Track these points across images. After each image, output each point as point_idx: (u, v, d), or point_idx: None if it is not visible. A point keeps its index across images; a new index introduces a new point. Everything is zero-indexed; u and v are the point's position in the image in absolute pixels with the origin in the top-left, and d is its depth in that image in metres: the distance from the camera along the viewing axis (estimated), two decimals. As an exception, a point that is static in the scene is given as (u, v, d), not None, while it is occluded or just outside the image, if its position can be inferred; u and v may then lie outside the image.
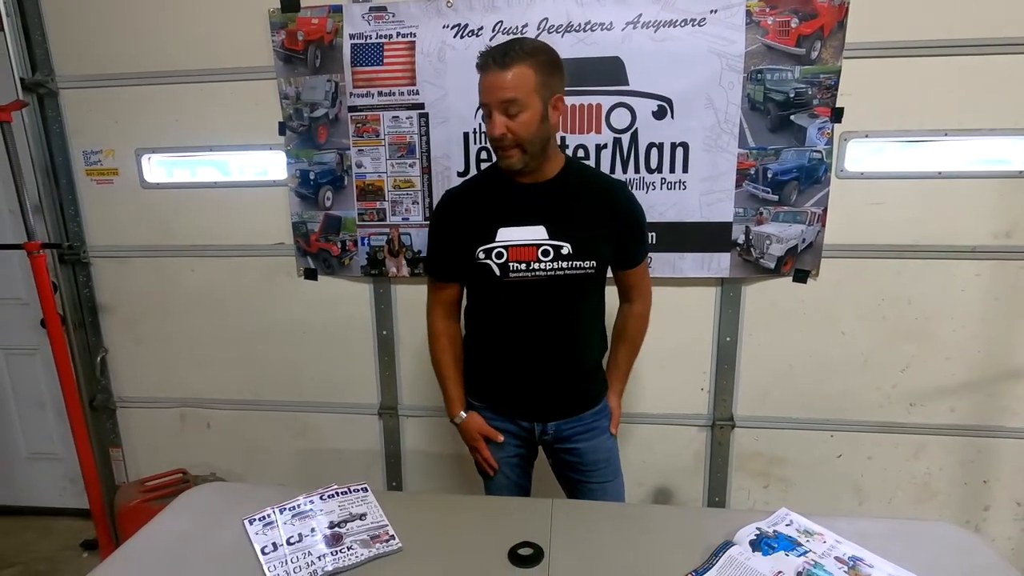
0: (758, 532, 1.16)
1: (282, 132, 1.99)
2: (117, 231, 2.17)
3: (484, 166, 1.91)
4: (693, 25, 1.76)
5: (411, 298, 2.08)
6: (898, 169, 1.82)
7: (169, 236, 2.15)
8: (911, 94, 1.76)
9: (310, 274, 2.11)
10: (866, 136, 1.80)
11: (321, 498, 1.26)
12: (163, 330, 2.24)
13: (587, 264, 1.28)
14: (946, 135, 1.77)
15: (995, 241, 1.82)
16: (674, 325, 1.97)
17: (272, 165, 2.05)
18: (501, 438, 1.38)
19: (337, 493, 1.28)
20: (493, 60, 1.18)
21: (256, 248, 2.12)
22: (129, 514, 1.94)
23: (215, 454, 2.32)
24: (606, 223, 1.30)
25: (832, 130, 1.79)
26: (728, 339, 1.99)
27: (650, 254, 1.85)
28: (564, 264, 1.27)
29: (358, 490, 1.29)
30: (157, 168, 2.11)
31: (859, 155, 1.82)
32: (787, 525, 1.20)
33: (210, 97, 2.01)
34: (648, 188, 1.84)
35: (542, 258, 1.27)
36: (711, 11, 1.75)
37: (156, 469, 2.21)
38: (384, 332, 2.13)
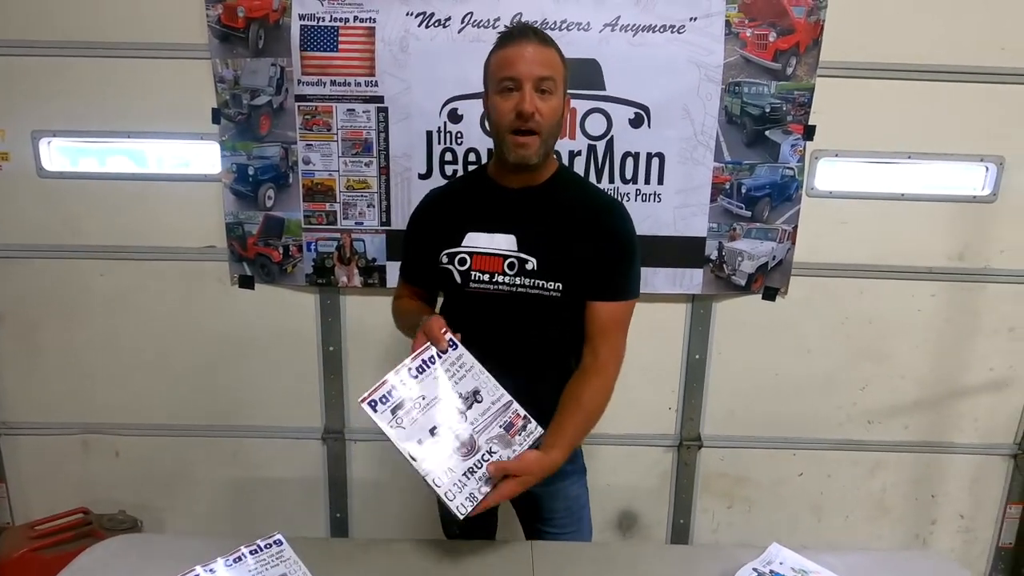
0: (755, 573, 1.09)
1: (216, 120, 1.75)
2: (8, 226, 1.84)
3: (449, 169, 1.77)
4: (672, 32, 1.69)
5: (363, 311, 1.89)
6: (863, 189, 1.83)
7: (76, 234, 1.84)
8: (879, 115, 1.77)
9: (245, 282, 1.87)
10: (836, 155, 1.80)
11: (227, 564, 0.98)
12: (66, 343, 1.92)
13: (551, 285, 1.14)
14: (909, 157, 1.80)
15: (949, 263, 1.87)
16: (643, 343, 1.86)
17: (202, 157, 1.80)
18: (445, 344, 1.06)
19: (244, 555, 1.00)
20: (533, 33, 1.09)
21: (181, 251, 1.85)
22: (15, 567, 1.62)
23: (125, 488, 2.01)
24: (584, 242, 1.14)
25: (804, 147, 1.77)
26: (697, 357, 1.93)
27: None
28: (527, 281, 1.14)
29: (270, 545, 1.03)
30: (58, 155, 1.81)
31: (829, 174, 1.82)
32: (780, 563, 1.13)
33: (130, 75, 1.73)
34: (623, 199, 1.76)
35: (507, 271, 1.14)
36: (691, 18, 1.69)
37: (51, 508, 1.88)
38: (331, 348, 1.92)
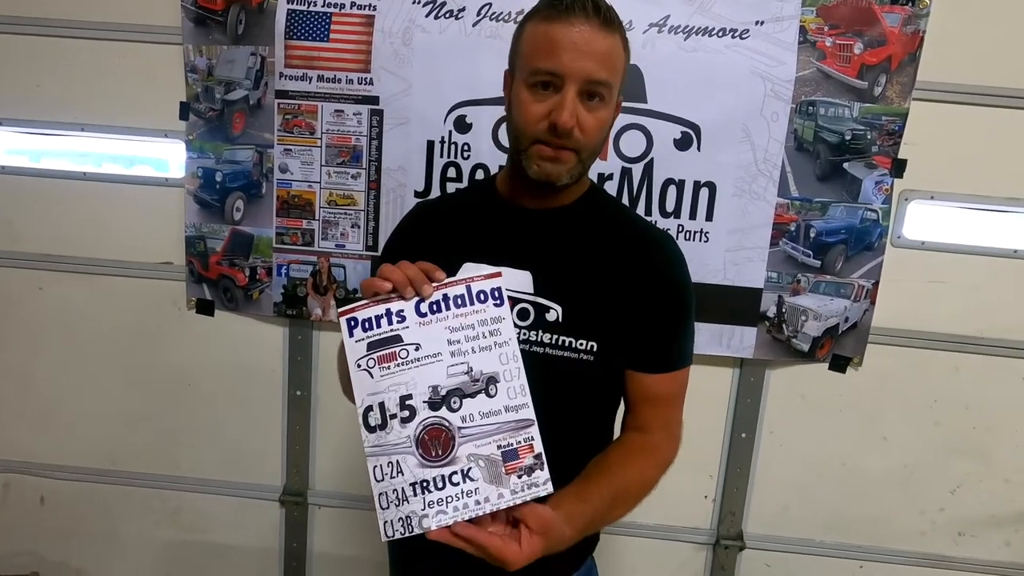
0: None
1: (184, 116, 1.50)
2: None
3: (451, 187, 1.47)
4: (733, 36, 1.38)
5: (338, 350, 1.58)
6: (965, 242, 1.47)
7: (11, 239, 1.59)
8: (988, 151, 1.43)
9: (204, 307, 1.58)
10: (931, 198, 1.45)
11: None
12: (-9, 365, 1.65)
13: (583, 345, 0.84)
14: (1026, 206, 1.45)
15: (1071, 339, 1.49)
16: (678, 413, 1.54)
17: (165, 158, 1.54)
18: (442, 274, 0.74)
19: None
20: (595, 9, 0.76)
21: (132, 266, 1.58)
22: None
23: (47, 541, 1.71)
24: (627, 288, 0.85)
25: (892, 186, 1.43)
26: (744, 436, 1.57)
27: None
28: (548, 337, 0.83)
29: None
30: (3, 148, 1.56)
31: (921, 220, 1.47)
32: None
33: (89, 60, 1.49)
34: (662, 236, 1.43)
35: (519, 322, 0.83)
36: (756, 22, 1.38)
37: (-50, 563, 1.60)
38: (299, 392, 1.61)
